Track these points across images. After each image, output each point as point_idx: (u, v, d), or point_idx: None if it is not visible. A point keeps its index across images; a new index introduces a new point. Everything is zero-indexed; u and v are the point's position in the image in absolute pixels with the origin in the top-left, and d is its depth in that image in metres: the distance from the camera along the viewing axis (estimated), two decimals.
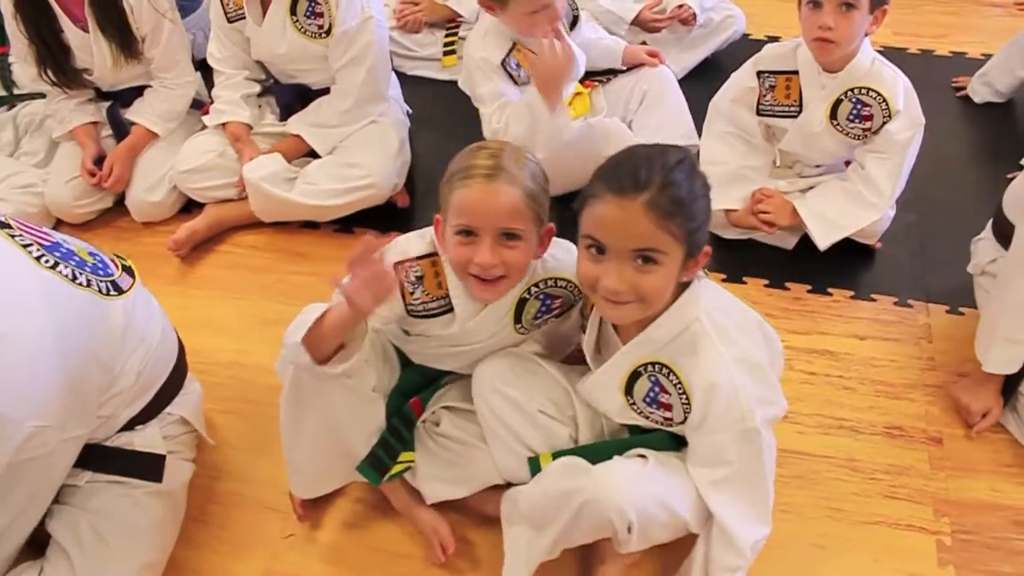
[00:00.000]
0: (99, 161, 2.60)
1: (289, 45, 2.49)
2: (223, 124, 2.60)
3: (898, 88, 2.18)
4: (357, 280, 1.43)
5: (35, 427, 1.44)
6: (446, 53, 3.13)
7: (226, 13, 2.54)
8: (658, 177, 1.36)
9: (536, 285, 1.64)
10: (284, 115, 2.65)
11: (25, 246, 1.50)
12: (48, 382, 1.45)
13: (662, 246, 1.37)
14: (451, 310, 1.64)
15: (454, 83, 3.08)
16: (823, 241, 2.29)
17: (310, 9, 2.42)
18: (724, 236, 2.41)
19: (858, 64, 2.18)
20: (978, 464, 1.89)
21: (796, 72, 2.26)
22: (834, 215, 2.28)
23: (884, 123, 2.19)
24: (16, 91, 2.91)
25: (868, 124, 2.21)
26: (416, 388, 1.79)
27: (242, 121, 2.59)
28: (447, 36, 3.14)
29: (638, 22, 3.02)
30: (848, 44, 2.14)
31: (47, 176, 2.65)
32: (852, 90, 2.19)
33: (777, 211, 2.31)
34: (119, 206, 2.68)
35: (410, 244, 1.66)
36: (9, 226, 1.52)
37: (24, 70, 2.68)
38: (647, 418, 1.57)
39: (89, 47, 2.52)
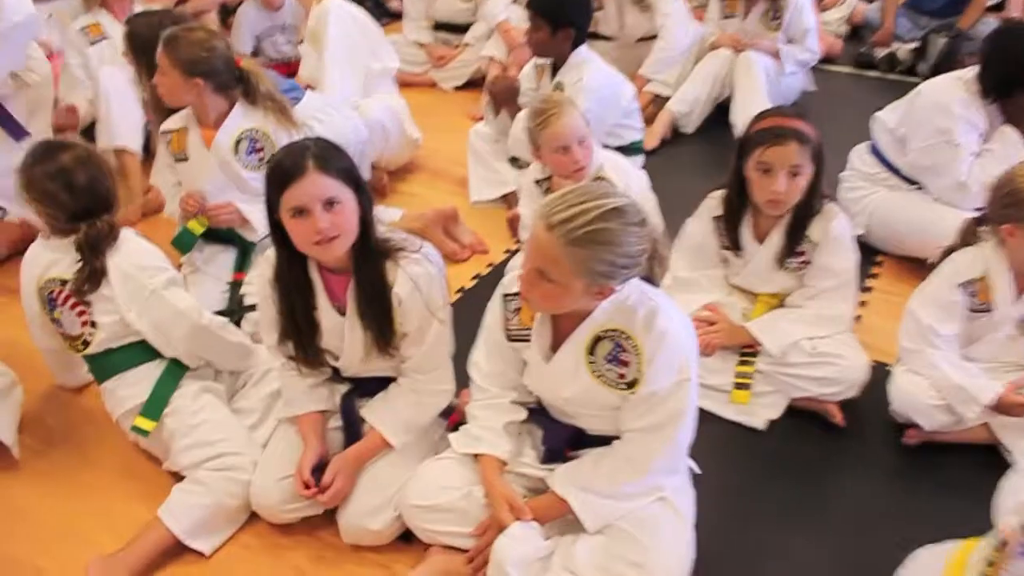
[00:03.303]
0: (318, 466, 2.17)
1: (578, 389, 2.00)
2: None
3: None
4: None
5: None
6: (738, 386, 2.60)
7: (507, 330, 2.10)
8: None
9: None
10: (548, 457, 2.15)
11: None
12: None
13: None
14: None
15: (744, 428, 2.56)
16: None
17: (614, 355, 1.94)
18: None
19: None
20: None
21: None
22: None
23: None
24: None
25: None
26: None
27: (499, 456, 2.11)
28: (741, 365, 2.62)
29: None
30: None
31: (251, 457, 2.28)
32: None
33: None
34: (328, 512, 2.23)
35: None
36: None
37: (264, 335, 2.32)
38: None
39: (341, 332, 2.14)
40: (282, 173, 1.96)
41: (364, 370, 2.24)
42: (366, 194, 2.04)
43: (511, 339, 2.10)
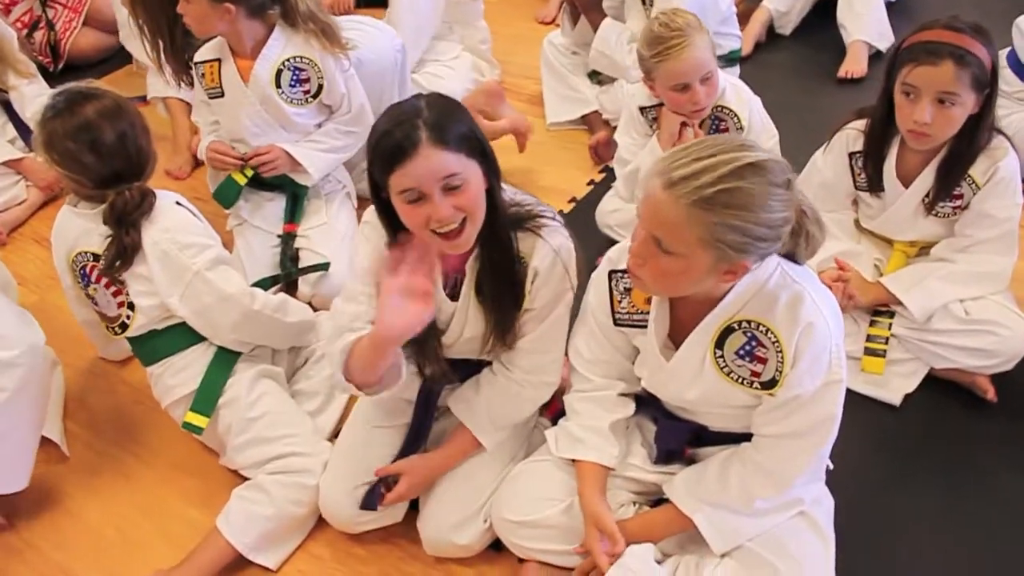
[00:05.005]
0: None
1: (704, 388, 1.66)
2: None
3: None
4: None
5: None
6: (869, 352, 2.22)
7: (615, 313, 1.75)
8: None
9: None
10: (662, 457, 1.83)
11: None
12: None
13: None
14: None
15: (875, 402, 2.21)
16: None
17: (747, 350, 1.59)
18: None
19: None
20: None
21: None
22: None
23: None
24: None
25: None
26: None
27: (604, 464, 1.79)
28: (872, 327, 2.24)
29: None
30: None
31: (319, 457, 1.99)
32: None
33: None
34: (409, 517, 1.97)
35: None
36: None
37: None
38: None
39: (450, 313, 1.80)
40: (389, 149, 1.55)
41: (465, 353, 1.88)
42: (492, 162, 1.65)
43: (619, 324, 1.76)
